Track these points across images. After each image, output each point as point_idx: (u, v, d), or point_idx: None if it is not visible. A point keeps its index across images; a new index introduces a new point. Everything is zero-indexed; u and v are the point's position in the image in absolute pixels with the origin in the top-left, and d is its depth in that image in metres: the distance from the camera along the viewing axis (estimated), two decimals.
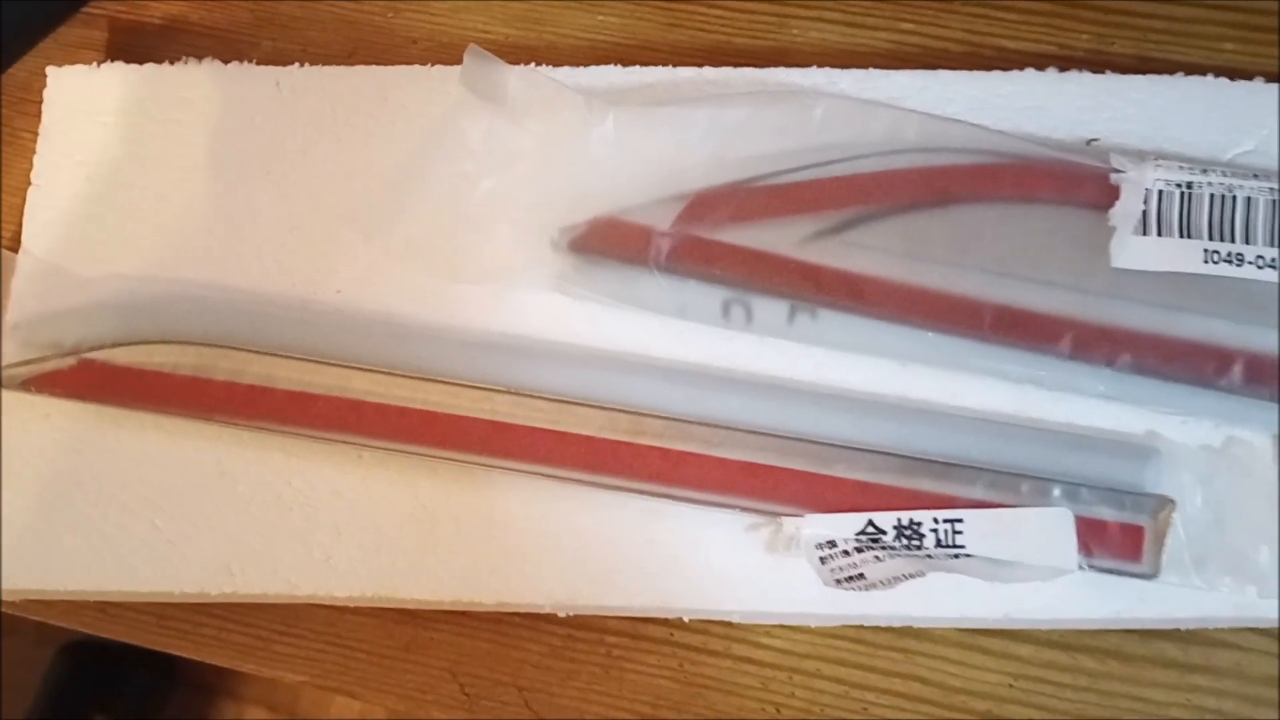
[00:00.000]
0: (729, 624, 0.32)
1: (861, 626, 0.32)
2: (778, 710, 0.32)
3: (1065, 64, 0.34)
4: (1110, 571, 0.29)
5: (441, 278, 0.32)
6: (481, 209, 0.32)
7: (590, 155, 0.32)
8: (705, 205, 0.32)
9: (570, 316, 0.32)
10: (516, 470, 0.30)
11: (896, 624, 0.31)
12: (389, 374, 0.31)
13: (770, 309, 0.31)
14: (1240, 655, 0.31)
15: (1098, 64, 0.35)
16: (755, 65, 0.35)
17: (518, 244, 0.32)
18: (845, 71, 0.34)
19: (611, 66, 0.34)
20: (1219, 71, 0.34)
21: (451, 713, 0.32)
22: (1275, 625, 0.31)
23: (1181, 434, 0.31)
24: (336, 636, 0.33)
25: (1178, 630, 0.31)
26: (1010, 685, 0.31)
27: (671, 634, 0.32)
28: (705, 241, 0.31)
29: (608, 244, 0.32)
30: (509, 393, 0.31)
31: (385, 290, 0.33)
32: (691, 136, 0.33)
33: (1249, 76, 0.34)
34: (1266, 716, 0.31)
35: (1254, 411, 0.30)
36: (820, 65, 0.34)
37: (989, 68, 0.34)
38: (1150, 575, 0.29)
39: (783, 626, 0.32)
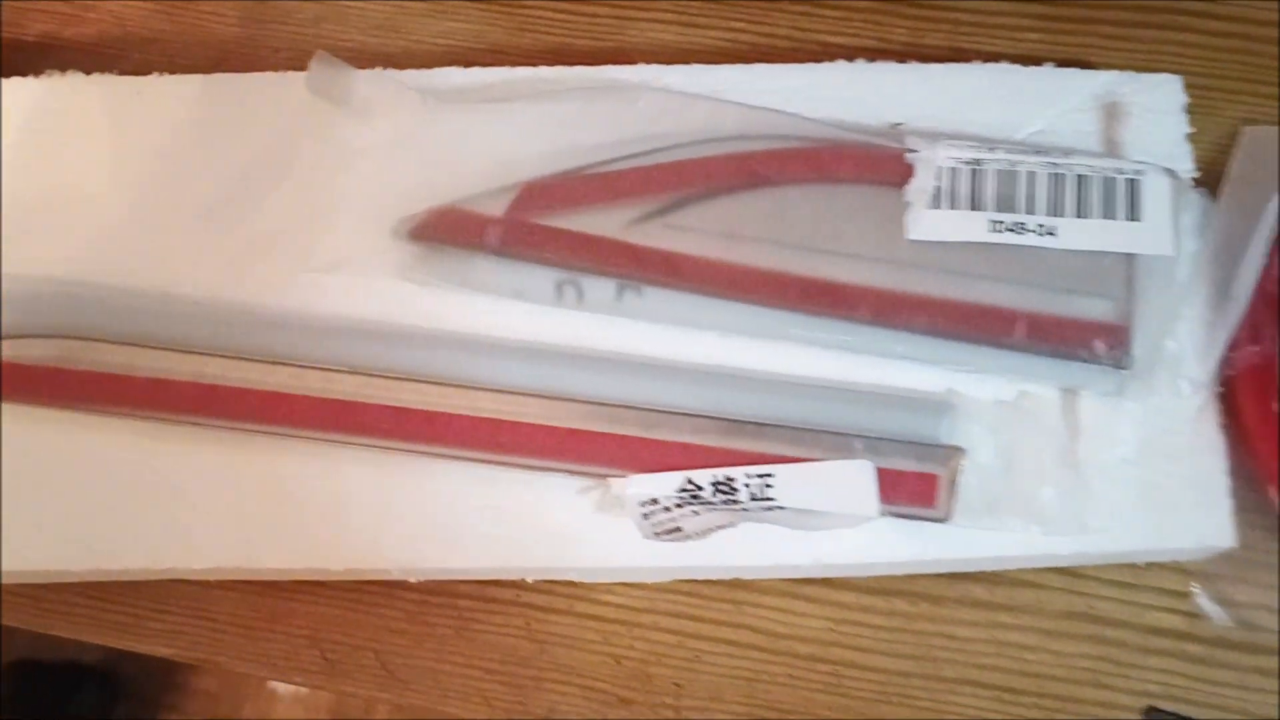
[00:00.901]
0: (572, 584, 0.34)
1: (694, 581, 0.34)
2: (618, 661, 0.34)
3: (883, 56, 0.37)
4: (908, 516, 0.32)
5: (293, 268, 0.34)
6: (329, 203, 0.35)
7: (430, 150, 0.35)
8: (536, 193, 0.34)
9: (415, 301, 0.34)
10: (361, 445, 0.33)
11: (723, 576, 0.34)
12: (242, 359, 0.33)
13: (599, 288, 0.34)
14: (1040, 593, 0.34)
15: (912, 55, 0.38)
16: (596, 64, 0.37)
17: (363, 235, 0.34)
18: (671, 67, 0.36)
19: (453, 68, 0.37)
20: (1024, 59, 0.37)
21: (313, 678, 0.34)
22: (1069, 564, 0.33)
23: (977, 390, 0.33)
24: (203, 611, 0.35)
25: (984, 573, 0.34)
26: (831, 629, 0.34)
27: (519, 595, 0.35)
28: (537, 227, 0.34)
29: (445, 232, 0.34)
30: (353, 373, 0.33)
31: (241, 281, 0.35)
32: (524, 130, 0.35)
33: (1046, 62, 0.37)
34: (1062, 647, 0.33)
35: (1042, 367, 0.33)
36: (656, 63, 0.37)
37: (816, 60, 0.37)
38: (944, 519, 0.32)
39: (622, 584, 0.34)
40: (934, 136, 0.34)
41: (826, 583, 0.34)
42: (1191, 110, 0.36)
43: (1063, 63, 0.37)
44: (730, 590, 0.34)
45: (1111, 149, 0.35)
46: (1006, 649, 0.34)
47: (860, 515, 0.31)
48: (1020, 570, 0.34)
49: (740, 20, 0.40)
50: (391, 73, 0.36)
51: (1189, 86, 0.37)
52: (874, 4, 0.40)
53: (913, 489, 0.32)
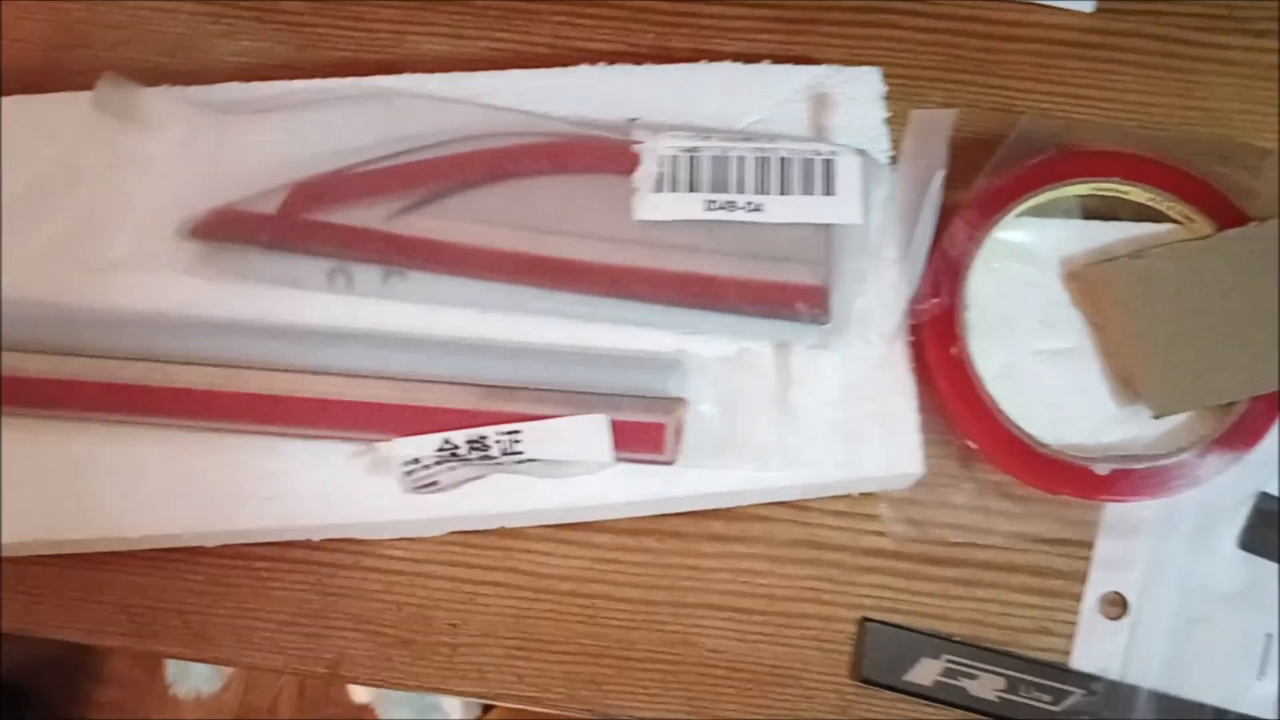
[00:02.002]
0: (360, 541, 0.38)
1: (468, 533, 0.38)
2: (399, 608, 0.38)
3: (632, 59, 0.42)
4: (640, 462, 0.36)
5: (86, 267, 0.38)
6: (119, 208, 0.38)
7: (210, 157, 0.38)
8: (306, 192, 0.38)
9: (202, 294, 0.38)
10: (151, 424, 0.36)
11: (486, 525, 0.38)
12: (38, 353, 0.36)
13: (367, 275, 0.38)
14: (770, 525, 0.39)
15: (660, 57, 0.42)
16: (377, 75, 0.41)
17: (150, 236, 0.38)
18: (432, 75, 0.40)
19: (233, 83, 0.40)
20: (757, 58, 0.42)
21: (123, 640, 0.38)
22: (785, 497, 0.38)
23: (702, 349, 0.38)
24: (22, 585, 0.38)
25: (723, 510, 0.39)
26: (589, 568, 0.38)
27: (310, 554, 0.38)
28: (307, 222, 0.38)
29: (224, 230, 0.38)
30: (141, 360, 0.36)
31: (38, 280, 0.38)
32: (296, 136, 0.39)
33: (774, 60, 0.42)
34: (789, 571, 0.38)
35: (756, 326, 0.38)
36: (434, 72, 0.41)
37: (574, 64, 0.42)
38: (670, 462, 0.36)
39: (405, 540, 0.39)
40: (659, 129, 0.39)
41: (586, 527, 0.39)
42: (896, 97, 0.41)
43: (791, 60, 0.42)
44: (501, 539, 0.38)
45: (819, 134, 0.40)
46: (741, 575, 0.38)
47: (598, 463, 0.36)
48: (753, 506, 0.39)
49: (505, 30, 0.44)
50: (177, 89, 0.40)
51: (898, 76, 0.42)
52: (625, 11, 0.44)
53: (643, 438, 0.36)
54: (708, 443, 0.37)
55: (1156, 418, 0.37)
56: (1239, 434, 0.37)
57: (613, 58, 0.42)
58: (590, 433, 0.36)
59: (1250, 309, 0.37)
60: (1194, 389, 0.37)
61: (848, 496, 0.39)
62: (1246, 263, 0.38)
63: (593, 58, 0.42)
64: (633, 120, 0.40)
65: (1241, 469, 0.37)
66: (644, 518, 0.38)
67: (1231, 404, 0.37)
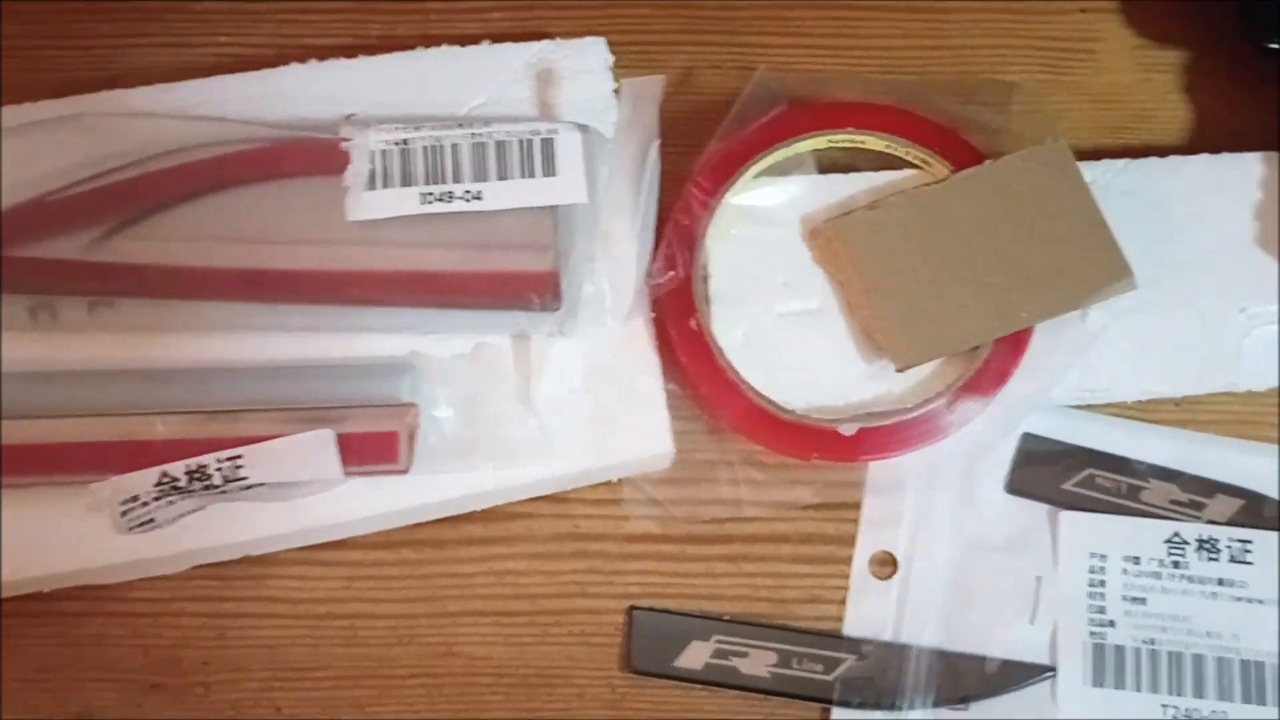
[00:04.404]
0: (100, 587, 0.36)
1: (212, 565, 0.37)
2: (146, 651, 0.36)
3: (361, 51, 0.40)
4: (374, 474, 0.35)
5: None
6: None
7: None
8: (3, 224, 0.36)
9: None
10: None
11: (230, 556, 0.36)
12: None
13: (72, 307, 0.36)
14: (531, 522, 0.37)
15: (388, 48, 0.40)
16: (95, 90, 0.39)
17: None
18: (133, 90, 0.38)
19: None
20: (495, 38, 0.40)
21: None
22: (539, 491, 0.37)
23: (438, 349, 0.36)
24: None
25: (481, 511, 0.37)
26: (345, 587, 0.37)
27: (51, 605, 0.36)
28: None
29: None
30: None
31: None
32: None
33: (504, 39, 0.40)
34: (552, 567, 0.37)
35: (491, 320, 0.36)
36: (155, 84, 0.39)
37: (302, 62, 0.40)
38: (404, 471, 0.35)
39: (148, 580, 0.37)
40: (371, 124, 0.37)
41: (339, 545, 0.37)
42: (637, 65, 0.40)
43: (526, 37, 0.40)
44: (249, 568, 0.37)
45: (547, 112, 0.39)
46: (504, 577, 0.37)
47: (327, 480, 0.34)
48: (510, 504, 0.37)
49: (226, 35, 0.42)
50: None
51: (637, 44, 0.41)
52: (349, 3, 0.42)
53: (375, 448, 0.35)
54: (449, 445, 0.36)
55: (900, 371, 0.36)
56: (985, 378, 0.36)
57: (338, 52, 0.40)
58: (315, 450, 0.34)
59: (987, 250, 0.36)
60: (935, 338, 0.36)
61: (607, 483, 0.37)
62: (981, 203, 0.37)
63: (320, 54, 0.40)
64: (350, 116, 0.38)
65: (1001, 412, 0.36)
66: (399, 529, 0.37)
67: (976, 349, 0.36)
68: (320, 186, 0.37)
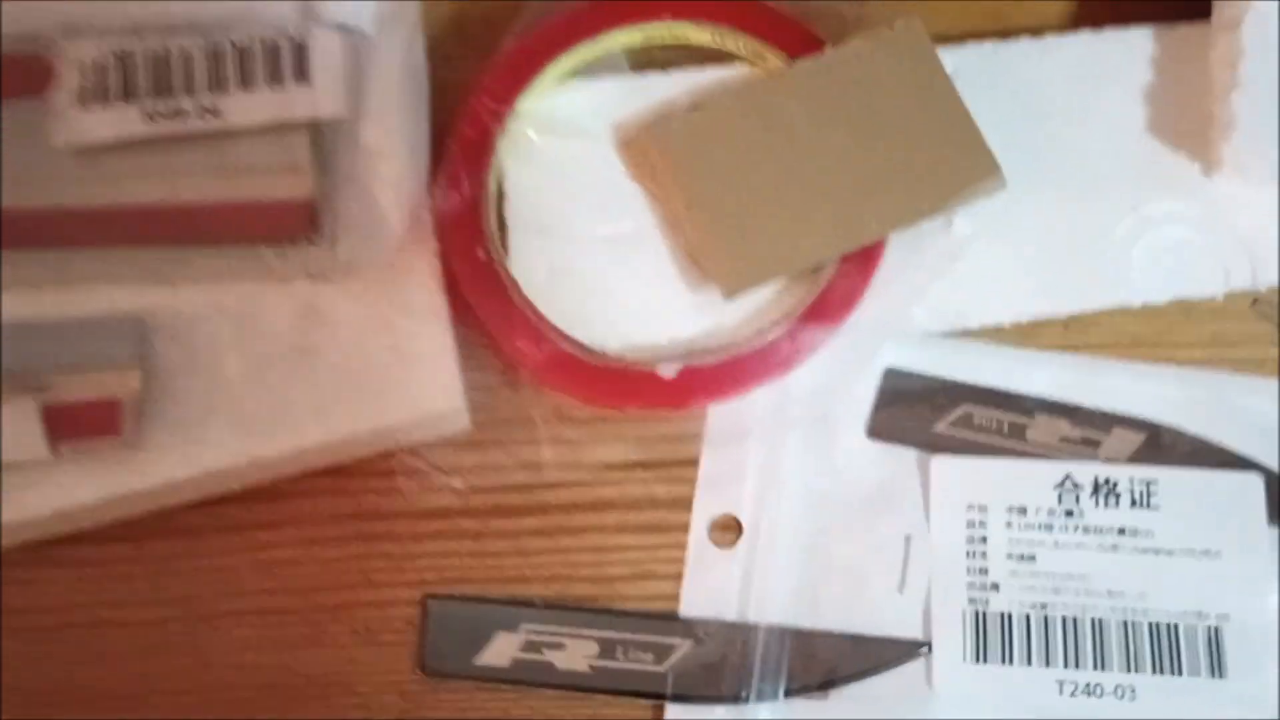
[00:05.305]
0: None
1: None
2: None
3: None
4: (94, 450, 0.29)
5: None
6: None
7: None
8: None
9: None
10: None
11: None
12: None
13: None
14: (304, 502, 0.31)
15: None
16: None
17: None
18: None
19: None
20: None
21: None
22: (325, 463, 0.31)
23: (173, 299, 0.30)
24: None
25: (243, 492, 0.31)
26: (78, 590, 0.31)
27: None
28: None
29: None
30: None
31: None
32: None
33: None
34: (330, 554, 0.31)
35: (238, 262, 0.30)
36: None
37: None
38: (132, 443, 0.29)
39: None
40: (80, 31, 0.31)
41: (72, 540, 0.31)
42: None
43: None
44: None
45: (308, 15, 0.32)
46: (271, 569, 0.31)
47: (32, 459, 0.28)
48: (279, 481, 0.31)
49: None
50: None
51: None
52: None
53: (93, 420, 0.29)
54: (190, 413, 0.30)
55: (729, 298, 0.30)
56: (830, 303, 0.30)
57: None
58: (15, 424, 0.28)
59: (829, 153, 0.31)
60: (769, 258, 0.30)
61: (392, 452, 0.31)
62: (821, 98, 0.31)
63: None
64: (57, 25, 0.32)
65: (854, 342, 0.31)
66: (142, 517, 0.31)
67: (819, 270, 0.31)
68: (26, 111, 0.30)
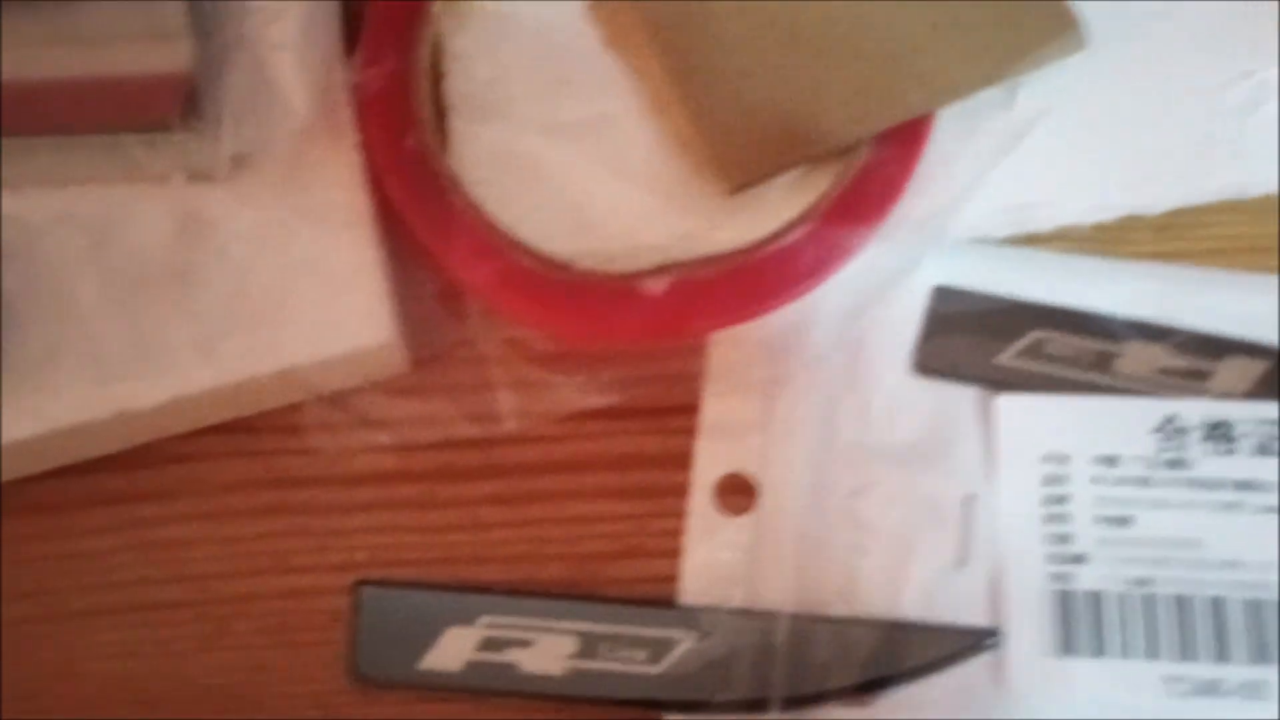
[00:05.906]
0: None
1: None
2: None
3: None
4: None
5: None
6: None
7: None
8: None
9: None
10: None
11: None
12: None
13: None
14: (199, 466, 0.25)
15: None
16: None
17: None
18: None
19: None
20: None
21: None
22: (228, 416, 0.24)
23: (16, 206, 0.24)
24: None
25: (118, 457, 0.24)
26: None
27: None
28: None
29: None
30: None
31: None
32: None
33: None
34: (234, 531, 0.24)
35: (97, 155, 0.23)
36: None
37: None
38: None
39: None
40: None
41: None
42: None
43: None
44: None
45: None
46: (156, 552, 0.25)
47: None
48: (166, 440, 0.25)
49: None
50: None
51: None
52: None
53: None
54: (34, 353, 0.23)
55: (733, 194, 0.24)
56: (861, 198, 0.24)
57: None
58: None
59: (857, 3, 0.24)
60: (782, 141, 0.23)
61: (308, 402, 0.25)
62: None
63: None
64: None
65: (893, 248, 0.24)
66: None
67: (846, 154, 0.24)
68: None
